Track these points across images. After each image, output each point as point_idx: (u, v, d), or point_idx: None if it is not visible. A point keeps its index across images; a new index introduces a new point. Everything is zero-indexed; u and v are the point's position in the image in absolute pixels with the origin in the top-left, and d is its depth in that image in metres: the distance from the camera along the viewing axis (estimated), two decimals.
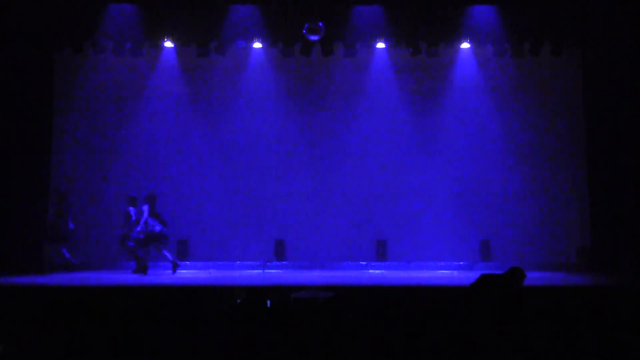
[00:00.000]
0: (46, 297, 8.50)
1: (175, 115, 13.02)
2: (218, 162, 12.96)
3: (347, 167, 12.90)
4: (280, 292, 7.84)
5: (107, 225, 12.57)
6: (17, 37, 11.57)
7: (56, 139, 12.47)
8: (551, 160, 12.70)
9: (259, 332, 5.13)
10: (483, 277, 6.34)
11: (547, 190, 12.66)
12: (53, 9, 11.54)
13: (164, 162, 12.91)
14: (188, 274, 11.50)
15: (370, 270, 12.24)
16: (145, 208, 11.22)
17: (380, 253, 12.60)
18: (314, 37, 10.70)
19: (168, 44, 12.43)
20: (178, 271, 11.21)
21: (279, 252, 12.64)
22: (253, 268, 12.29)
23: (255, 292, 5.91)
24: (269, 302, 5.87)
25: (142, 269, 11.13)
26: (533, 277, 10.49)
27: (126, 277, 10.74)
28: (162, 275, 11.00)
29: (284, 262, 12.56)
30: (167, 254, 11.26)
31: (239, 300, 6.11)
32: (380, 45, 12.52)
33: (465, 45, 12.46)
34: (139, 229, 11.13)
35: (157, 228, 11.15)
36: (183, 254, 12.53)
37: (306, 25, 10.52)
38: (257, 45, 12.55)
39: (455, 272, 11.93)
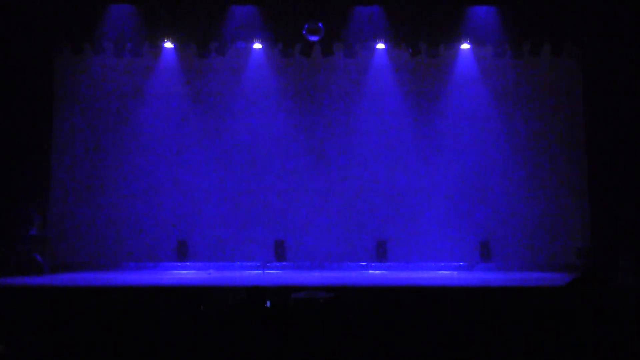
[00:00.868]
0: (46, 297, 8.50)
1: (175, 115, 13.01)
2: (218, 162, 12.96)
3: (347, 167, 12.90)
4: (280, 292, 7.84)
5: (107, 225, 12.57)
6: (17, 37, 11.58)
7: (56, 139, 12.48)
8: (551, 160, 12.70)
9: (259, 332, 5.13)
10: (579, 278, 6.24)
11: (547, 191, 12.65)
12: (53, 9, 11.54)
13: (163, 162, 12.90)
14: (188, 274, 11.51)
15: (370, 271, 12.23)
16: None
17: (381, 253, 12.60)
18: (313, 38, 10.71)
19: (168, 44, 12.44)
20: (178, 271, 11.20)
21: (279, 252, 12.64)
22: (253, 268, 12.29)
23: (255, 292, 5.91)
24: (268, 302, 5.88)
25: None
26: (533, 277, 10.55)
27: (126, 277, 10.74)
28: (162, 275, 10.99)
29: (284, 262, 12.56)
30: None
31: (239, 301, 6.11)
32: (380, 45, 12.52)
33: (465, 45, 12.45)
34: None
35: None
36: (183, 254, 12.53)
37: (306, 26, 10.53)
38: (257, 45, 12.55)
39: (455, 273, 11.93)
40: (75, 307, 8.00)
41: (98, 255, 12.49)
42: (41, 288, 9.27)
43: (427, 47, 12.11)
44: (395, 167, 12.90)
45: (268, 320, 5.37)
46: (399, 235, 12.70)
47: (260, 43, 12.40)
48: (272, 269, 12.27)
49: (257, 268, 12.26)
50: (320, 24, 10.45)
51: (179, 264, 12.40)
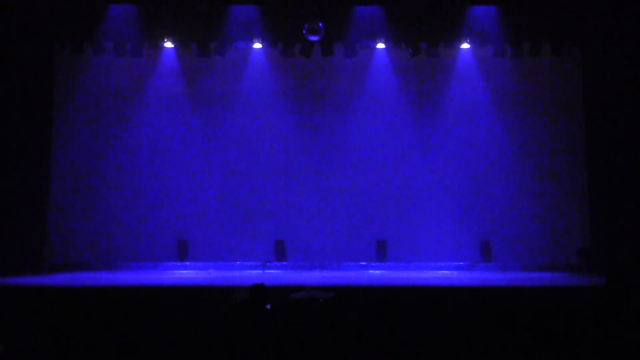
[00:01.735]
0: (46, 297, 8.50)
1: (175, 115, 13.01)
2: (218, 162, 12.96)
3: (347, 167, 12.90)
4: (280, 292, 7.84)
5: (107, 225, 12.57)
6: (17, 37, 11.58)
7: (56, 139, 12.48)
8: (551, 160, 12.70)
9: (259, 332, 5.13)
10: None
11: (547, 190, 12.65)
12: (53, 9, 11.55)
13: (164, 162, 12.90)
14: (188, 274, 11.51)
15: (370, 271, 12.23)
16: None
17: (380, 253, 12.60)
18: (313, 38, 10.71)
19: (168, 44, 12.44)
20: (178, 271, 11.21)
21: (279, 252, 12.64)
22: (253, 268, 12.29)
23: (256, 292, 5.91)
24: (268, 305, 5.88)
25: None
26: (533, 277, 10.56)
27: (126, 277, 10.74)
28: (162, 275, 10.99)
29: (284, 262, 12.56)
30: None
31: (239, 301, 6.11)
32: (380, 45, 12.52)
33: (465, 45, 12.46)
34: None
35: None
36: (183, 254, 12.53)
37: (306, 26, 10.53)
38: (257, 45, 12.55)
39: (455, 272, 11.93)
40: (75, 307, 8.00)
41: (98, 255, 12.50)
42: (41, 288, 9.27)
43: (427, 47, 12.12)
44: (396, 167, 12.90)
45: (268, 320, 5.37)
46: (399, 235, 12.71)
47: (260, 43, 12.41)
48: (272, 268, 12.27)
49: (257, 268, 12.26)
50: (320, 24, 10.44)
51: (179, 264, 12.40)
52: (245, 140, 12.99)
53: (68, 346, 5.06)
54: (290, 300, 7.22)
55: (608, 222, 11.63)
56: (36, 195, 11.95)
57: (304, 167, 12.94)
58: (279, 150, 12.98)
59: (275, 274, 11.48)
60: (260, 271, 11.99)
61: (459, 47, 12.57)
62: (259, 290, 5.86)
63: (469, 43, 12.32)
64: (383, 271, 12.14)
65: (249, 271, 12.06)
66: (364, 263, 12.52)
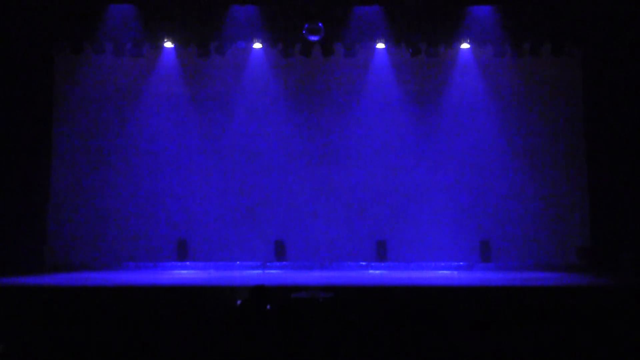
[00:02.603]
0: (46, 297, 8.51)
1: (175, 115, 13.01)
2: (218, 162, 12.95)
3: (347, 167, 12.90)
4: (280, 292, 7.85)
5: (107, 225, 12.57)
6: (17, 37, 11.58)
7: (56, 139, 12.49)
8: (551, 160, 12.69)
9: (260, 332, 5.14)
10: None
11: (547, 190, 12.65)
12: (53, 9, 11.54)
13: (163, 162, 12.90)
14: (188, 274, 11.51)
15: (370, 271, 12.23)
16: None
17: (380, 253, 12.60)
18: (313, 38, 10.70)
19: (168, 44, 12.44)
20: (178, 271, 11.21)
21: (279, 252, 12.64)
22: (253, 268, 12.30)
23: (256, 292, 5.91)
24: (268, 305, 5.88)
25: None
26: (533, 277, 10.55)
27: (126, 277, 10.74)
28: (162, 275, 10.99)
29: (284, 262, 12.56)
30: None
31: (239, 301, 6.12)
32: (380, 45, 12.52)
33: (465, 45, 12.45)
34: None
35: None
36: (183, 254, 12.53)
37: (306, 26, 10.51)
38: (257, 45, 12.55)
39: (455, 272, 11.93)
40: (75, 307, 8.01)
41: (98, 255, 12.50)
42: (41, 288, 9.27)
43: (427, 47, 12.11)
44: (396, 166, 12.89)
45: (268, 320, 5.38)
46: (398, 235, 12.70)
47: (260, 43, 12.41)
48: (272, 268, 12.27)
49: (257, 268, 12.26)
50: (320, 24, 10.44)
51: (179, 263, 12.40)
52: (245, 139, 12.99)
53: (68, 346, 5.06)
54: (290, 300, 7.22)
55: (608, 221, 11.63)
56: (36, 195, 11.95)
57: (304, 167, 12.93)
58: (279, 150, 12.97)
59: (275, 274, 11.48)
60: (260, 271, 12.00)
61: (459, 47, 12.57)
62: (259, 291, 5.87)
63: (469, 43, 12.32)
64: (383, 271, 12.14)
65: (249, 271, 12.06)
66: (364, 263, 12.52)
